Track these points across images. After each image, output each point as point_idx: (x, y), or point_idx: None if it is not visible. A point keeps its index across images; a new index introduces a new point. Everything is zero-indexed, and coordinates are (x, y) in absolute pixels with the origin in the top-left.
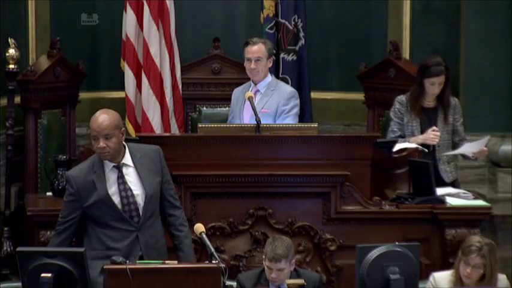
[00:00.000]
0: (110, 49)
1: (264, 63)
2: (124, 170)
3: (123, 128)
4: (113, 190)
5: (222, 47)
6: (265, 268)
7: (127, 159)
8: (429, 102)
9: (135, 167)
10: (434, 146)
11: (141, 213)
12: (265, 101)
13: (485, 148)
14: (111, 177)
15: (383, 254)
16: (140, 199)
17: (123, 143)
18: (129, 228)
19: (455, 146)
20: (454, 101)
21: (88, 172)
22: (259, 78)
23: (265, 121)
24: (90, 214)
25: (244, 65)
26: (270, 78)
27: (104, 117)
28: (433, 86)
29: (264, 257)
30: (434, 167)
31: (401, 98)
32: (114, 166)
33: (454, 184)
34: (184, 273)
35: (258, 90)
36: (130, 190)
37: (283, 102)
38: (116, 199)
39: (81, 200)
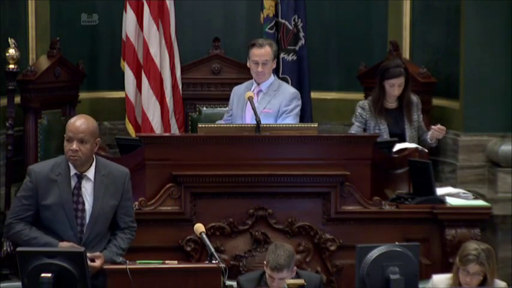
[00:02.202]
0: (110, 49)
1: (270, 65)
2: (83, 181)
3: (98, 139)
4: (69, 198)
5: (222, 47)
6: (267, 275)
7: (90, 172)
8: (391, 103)
9: (95, 182)
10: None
11: (84, 231)
12: (268, 101)
13: (441, 127)
14: (71, 184)
15: (383, 254)
16: (87, 216)
17: (94, 155)
18: (73, 240)
19: (420, 142)
20: (415, 98)
21: (52, 171)
22: (264, 80)
23: (267, 121)
24: (41, 216)
25: (248, 65)
26: (272, 78)
27: (82, 121)
28: (393, 88)
29: (265, 263)
30: None
31: (363, 103)
32: (75, 174)
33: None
34: (184, 273)
35: (260, 90)
36: (82, 204)
37: (285, 102)
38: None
39: (37, 197)
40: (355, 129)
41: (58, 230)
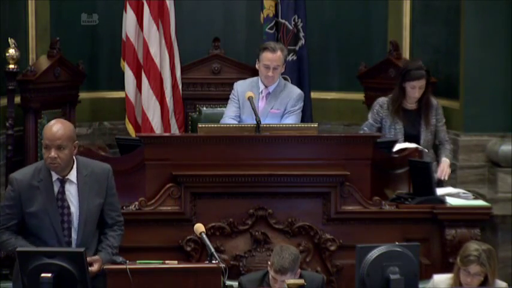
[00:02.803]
0: (110, 49)
1: (280, 70)
2: (67, 185)
3: (77, 141)
4: (53, 204)
5: (222, 47)
6: (270, 277)
7: (72, 174)
8: (411, 104)
9: (78, 184)
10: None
11: (72, 234)
12: (275, 101)
13: (445, 169)
14: (54, 189)
15: (383, 254)
16: (75, 219)
17: (74, 156)
18: (62, 246)
19: (436, 147)
20: (435, 102)
21: (33, 177)
22: (273, 83)
23: (275, 121)
24: (27, 224)
25: (257, 67)
26: (278, 79)
27: (59, 127)
28: (414, 90)
29: (269, 264)
30: None
31: (382, 100)
32: (58, 179)
33: (438, 185)
34: (184, 273)
35: (269, 93)
36: (68, 208)
37: (292, 103)
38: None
39: (21, 206)
40: (368, 126)
41: (45, 236)
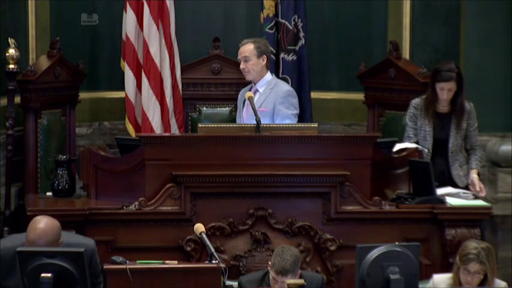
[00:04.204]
0: (110, 49)
1: (253, 62)
2: None
3: (61, 240)
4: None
5: (222, 47)
6: (271, 277)
7: None
8: (443, 107)
9: None
10: (447, 151)
11: None
12: (263, 100)
13: (479, 185)
14: None
15: (383, 254)
16: None
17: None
18: None
19: (466, 151)
20: (469, 106)
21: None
22: (253, 77)
23: (263, 120)
24: None
25: None
26: (269, 77)
27: (40, 234)
28: (443, 91)
29: (270, 264)
30: (448, 172)
31: (417, 101)
32: None
33: (468, 188)
34: (184, 273)
35: (257, 90)
36: None
37: (279, 100)
38: None
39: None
40: (411, 131)
41: None
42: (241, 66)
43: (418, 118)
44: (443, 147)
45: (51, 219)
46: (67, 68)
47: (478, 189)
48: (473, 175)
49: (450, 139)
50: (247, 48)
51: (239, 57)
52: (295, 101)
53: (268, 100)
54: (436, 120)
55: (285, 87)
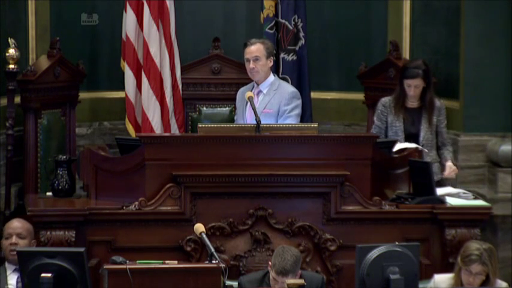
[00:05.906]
0: (110, 49)
1: (262, 62)
2: None
3: (34, 240)
4: None
5: (222, 47)
6: (271, 277)
7: None
8: (412, 102)
9: None
10: (419, 145)
11: None
12: (268, 101)
13: (453, 167)
14: (12, 280)
15: (383, 254)
16: None
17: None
18: None
19: (438, 148)
20: (438, 102)
21: None
22: (259, 78)
23: (267, 121)
24: None
25: (246, 66)
26: (272, 78)
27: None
28: (410, 88)
29: (270, 265)
30: None
31: (385, 99)
32: (15, 269)
33: (440, 183)
34: (184, 273)
35: (260, 91)
36: None
37: (284, 102)
38: None
39: None
40: (376, 129)
41: None
42: (251, 65)
43: (388, 115)
44: (414, 141)
45: None
46: (67, 68)
47: (449, 170)
48: (449, 163)
49: (421, 133)
50: (258, 48)
51: (247, 56)
52: (299, 102)
53: (273, 102)
54: (406, 115)
55: (289, 88)
